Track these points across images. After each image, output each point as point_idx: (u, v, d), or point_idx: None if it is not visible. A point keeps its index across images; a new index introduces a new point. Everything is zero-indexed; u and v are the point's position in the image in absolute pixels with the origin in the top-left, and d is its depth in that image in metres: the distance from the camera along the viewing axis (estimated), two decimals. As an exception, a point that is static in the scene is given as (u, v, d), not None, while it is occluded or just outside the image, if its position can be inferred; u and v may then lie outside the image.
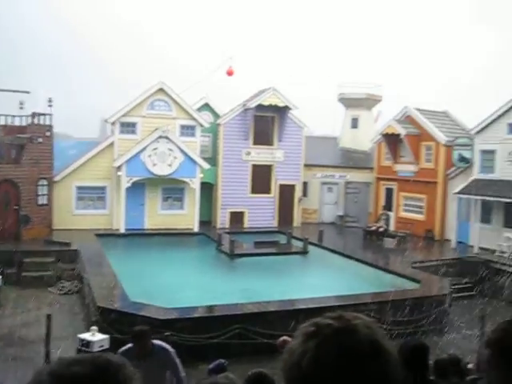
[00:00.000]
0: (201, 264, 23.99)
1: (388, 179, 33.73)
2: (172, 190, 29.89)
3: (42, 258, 22.40)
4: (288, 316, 15.11)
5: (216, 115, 32.89)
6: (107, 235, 26.83)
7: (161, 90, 29.44)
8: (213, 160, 31.47)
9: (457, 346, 15.20)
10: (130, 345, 6.70)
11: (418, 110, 32.35)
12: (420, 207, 31.58)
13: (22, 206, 24.89)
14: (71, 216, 27.90)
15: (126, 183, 27.72)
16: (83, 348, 12.64)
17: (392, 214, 32.37)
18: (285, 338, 4.90)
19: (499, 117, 26.25)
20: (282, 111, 31.99)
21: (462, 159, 28.90)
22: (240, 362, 12.44)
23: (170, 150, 28.38)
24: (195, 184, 29.12)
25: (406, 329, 15.95)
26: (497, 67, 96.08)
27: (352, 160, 36.74)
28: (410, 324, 16.30)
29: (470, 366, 7.95)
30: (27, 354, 14.58)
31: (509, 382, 1.60)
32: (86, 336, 12.89)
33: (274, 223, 32.62)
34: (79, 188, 28.39)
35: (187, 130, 30.16)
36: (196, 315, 14.88)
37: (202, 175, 29.36)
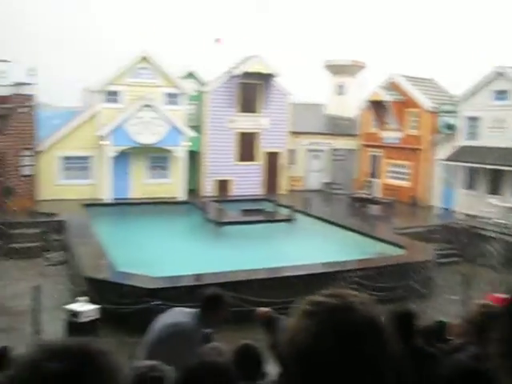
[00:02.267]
0: (188, 233, 23.99)
1: (373, 146, 33.78)
2: (157, 158, 29.74)
3: (28, 229, 22.27)
4: (276, 283, 15.27)
5: (201, 83, 32.59)
6: (93, 205, 26.72)
7: (144, 58, 29.07)
8: (198, 128, 31.28)
9: (442, 311, 15.42)
10: (188, 310, 5.27)
11: (404, 76, 32.27)
12: (405, 174, 31.73)
13: (6, 178, 24.67)
14: (56, 186, 27.68)
15: (110, 153, 27.54)
16: (72, 319, 12.68)
17: (377, 181, 32.50)
18: (264, 309, 4.84)
19: (485, 84, 26.27)
20: (267, 78, 31.78)
21: (447, 126, 28.96)
22: (230, 330, 12.57)
23: (155, 118, 28.16)
24: (181, 152, 28.99)
25: (391, 295, 16.15)
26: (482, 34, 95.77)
27: (338, 127, 36.68)
28: (395, 290, 16.50)
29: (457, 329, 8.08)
30: (17, 325, 14.63)
31: None
32: (74, 307, 12.90)
33: (260, 191, 32.65)
34: (64, 158, 28.12)
35: (172, 99, 29.88)
36: (183, 284, 14.92)
37: (187, 143, 29.21)
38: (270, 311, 4.50)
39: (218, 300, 5.17)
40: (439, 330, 7.06)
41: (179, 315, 5.25)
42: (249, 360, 4.22)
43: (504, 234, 22.94)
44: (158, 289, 14.16)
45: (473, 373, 3.03)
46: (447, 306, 16.64)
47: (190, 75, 32.76)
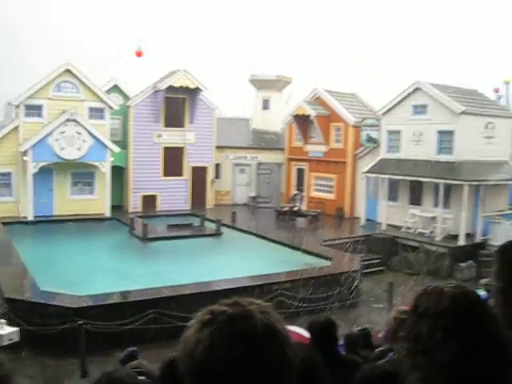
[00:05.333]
0: (113, 249, 23.56)
1: (299, 160, 34.28)
2: (82, 174, 29.07)
3: None
4: (204, 298, 15.19)
5: (126, 97, 32.22)
6: (14, 223, 25.89)
7: (68, 71, 28.39)
8: (123, 143, 30.88)
9: (367, 319, 15.76)
10: None
11: (328, 91, 32.98)
12: (330, 187, 32.34)
13: None
14: (-25, 204, 26.66)
15: (32, 168, 26.70)
16: (-8, 341, 12.21)
17: (303, 194, 32.97)
18: None
19: (404, 98, 27.15)
20: (193, 93, 31.75)
21: (370, 139, 29.77)
22: (158, 346, 12.44)
23: (79, 133, 27.56)
24: (106, 168, 28.46)
25: (318, 305, 16.38)
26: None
27: (263, 141, 37.04)
28: (322, 300, 16.73)
29: (380, 335, 8.28)
30: None
31: None
32: (-6, 329, 12.44)
33: (187, 206, 32.49)
34: (-18, 175, 27.13)
35: (96, 113, 29.36)
36: (110, 302, 14.66)
37: (112, 159, 28.72)
38: None
39: None
40: (364, 338, 7.22)
41: None
42: (174, 376, 4.11)
43: (425, 242, 23.73)
44: (83, 308, 13.83)
45: (385, 375, 3.10)
46: (373, 314, 17.03)
47: (115, 88, 32.35)
